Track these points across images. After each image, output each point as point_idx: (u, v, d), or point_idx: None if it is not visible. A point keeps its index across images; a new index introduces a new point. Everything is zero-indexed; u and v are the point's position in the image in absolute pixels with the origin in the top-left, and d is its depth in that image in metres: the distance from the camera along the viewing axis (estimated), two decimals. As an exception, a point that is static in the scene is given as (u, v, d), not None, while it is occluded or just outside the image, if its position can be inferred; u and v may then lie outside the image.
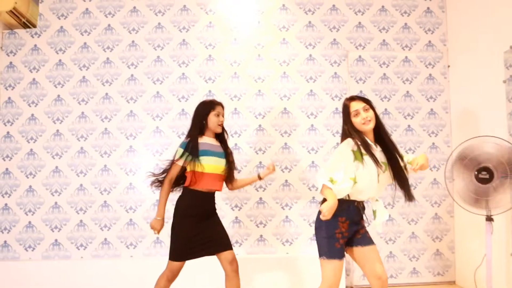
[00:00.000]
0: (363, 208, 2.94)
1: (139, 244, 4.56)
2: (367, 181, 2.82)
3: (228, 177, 3.47)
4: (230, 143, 4.48)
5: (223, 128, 3.44)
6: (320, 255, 2.81)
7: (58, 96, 4.66)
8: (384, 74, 4.83)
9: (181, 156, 3.26)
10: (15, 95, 4.65)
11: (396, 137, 4.76)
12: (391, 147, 2.95)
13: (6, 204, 4.56)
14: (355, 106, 2.89)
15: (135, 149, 4.61)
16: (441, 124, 4.85)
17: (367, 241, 2.89)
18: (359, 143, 2.83)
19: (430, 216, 4.77)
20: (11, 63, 4.69)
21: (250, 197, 4.62)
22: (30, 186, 4.58)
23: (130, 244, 4.57)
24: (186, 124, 4.60)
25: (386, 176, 2.94)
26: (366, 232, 2.93)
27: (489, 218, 3.66)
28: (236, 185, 3.57)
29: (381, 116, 4.57)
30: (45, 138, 4.62)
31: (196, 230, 3.24)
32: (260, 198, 4.62)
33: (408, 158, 3.08)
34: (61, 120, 4.64)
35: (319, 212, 2.79)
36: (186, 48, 4.73)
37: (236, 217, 4.61)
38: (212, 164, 3.28)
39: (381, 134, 2.96)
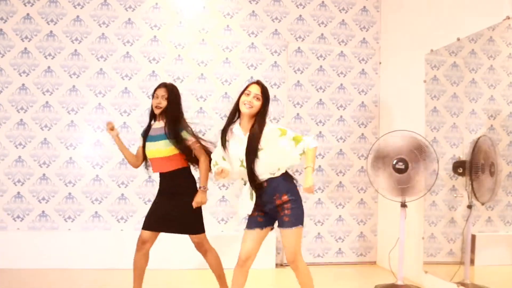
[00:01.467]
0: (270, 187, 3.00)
1: (130, 218, 4.84)
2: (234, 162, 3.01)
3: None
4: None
5: (169, 110, 3.41)
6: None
7: (48, 67, 4.80)
8: (321, 66, 5.27)
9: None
10: (5, 63, 4.76)
11: (328, 127, 5.23)
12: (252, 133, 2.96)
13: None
14: (252, 89, 2.97)
15: (129, 125, 4.89)
16: (370, 116, 5.35)
17: (284, 224, 2.97)
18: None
19: (356, 201, 5.28)
20: (1, 30, 4.76)
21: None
22: (19, 157, 4.73)
23: (121, 218, 4.84)
24: (128, 102, 4.85)
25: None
26: (285, 216, 2.98)
27: (403, 205, 4.17)
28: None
29: (316, 106, 5.08)
30: (34, 109, 4.77)
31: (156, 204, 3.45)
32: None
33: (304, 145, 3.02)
34: (51, 92, 4.82)
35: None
36: (132, 28, 4.94)
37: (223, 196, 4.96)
38: (149, 150, 3.40)
39: (257, 122, 2.99)
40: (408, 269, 4.30)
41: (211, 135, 4.89)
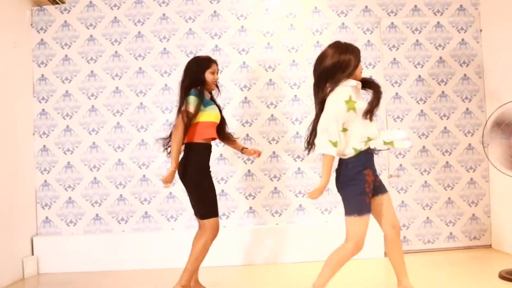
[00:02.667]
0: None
1: (180, 217, 4.79)
2: (359, 122, 2.95)
3: (221, 128, 3.71)
4: (267, 115, 4.72)
5: (216, 86, 3.66)
6: (350, 213, 2.92)
7: (91, 72, 4.83)
8: (417, 40, 5.01)
9: (194, 103, 3.40)
10: (48, 72, 4.82)
11: (430, 104, 4.98)
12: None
13: (45, 181, 4.77)
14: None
15: (172, 123, 4.79)
16: (474, 89, 5.04)
17: (384, 188, 3.06)
18: (352, 89, 2.99)
19: (465, 181, 5.01)
20: (42, 40, 4.85)
21: (236, 170, 4.86)
22: (68, 162, 4.79)
23: (171, 217, 4.80)
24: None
25: None
26: (380, 179, 3.09)
27: (527, 180, 3.89)
28: (224, 139, 3.83)
29: (415, 83, 4.89)
30: (80, 114, 4.81)
31: (212, 185, 3.52)
32: (248, 170, 4.85)
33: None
34: (95, 95, 4.83)
35: (341, 169, 2.98)
36: (218, 20, 4.89)
37: (222, 190, 4.81)
38: (215, 113, 3.53)
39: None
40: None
41: (309, 123, 4.82)
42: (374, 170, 2.99)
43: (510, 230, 4.25)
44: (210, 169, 3.54)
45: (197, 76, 3.50)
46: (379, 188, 3.03)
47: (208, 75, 3.53)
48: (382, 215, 3.04)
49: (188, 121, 3.36)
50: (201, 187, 3.42)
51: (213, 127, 3.53)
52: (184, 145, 3.49)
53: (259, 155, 3.83)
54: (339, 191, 3.03)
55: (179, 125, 3.37)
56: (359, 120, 2.95)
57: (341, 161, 3.01)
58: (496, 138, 3.96)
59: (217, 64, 3.63)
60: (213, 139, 3.58)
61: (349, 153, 2.95)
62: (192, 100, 3.39)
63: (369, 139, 2.97)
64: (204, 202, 3.41)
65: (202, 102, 3.42)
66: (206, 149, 3.50)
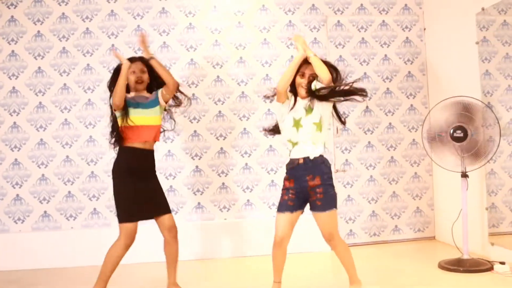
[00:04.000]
0: (314, 164, 3.20)
1: None
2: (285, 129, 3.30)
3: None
4: (215, 111, 4.83)
5: (156, 81, 3.58)
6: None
7: (39, 68, 4.86)
8: (363, 38, 5.19)
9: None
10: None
11: (375, 100, 5.16)
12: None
13: (-8, 178, 4.81)
14: (305, 69, 3.29)
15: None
16: (418, 86, 5.25)
17: (316, 208, 3.16)
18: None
19: (410, 175, 5.22)
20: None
21: (236, 163, 4.96)
22: (16, 159, 4.82)
23: None
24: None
25: (309, 121, 3.21)
26: (317, 200, 3.14)
27: (464, 175, 4.09)
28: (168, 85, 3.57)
29: (360, 81, 5.00)
30: (28, 111, 4.84)
31: (136, 190, 3.36)
32: (196, 166, 4.98)
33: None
34: (43, 92, 4.87)
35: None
36: (166, 17, 4.97)
37: (171, 186, 4.96)
38: (139, 116, 3.40)
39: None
40: (472, 243, 4.23)
41: (256, 119, 4.97)
42: (296, 178, 3.22)
43: (451, 222, 4.45)
44: (139, 172, 3.42)
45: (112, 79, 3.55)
46: (311, 205, 3.21)
47: (129, 77, 3.49)
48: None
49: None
50: (118, 191, 3.42)
51: (139, 130, 3.42)
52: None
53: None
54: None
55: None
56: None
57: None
58: (435, 135, 4.15)
59: (141, 62, 3.54)
60: (145, 141, 3.44)
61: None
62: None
63: (292, 143, 3.26)
64: (118, 206, 3.41)
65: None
66: (127, 152, 3.42)
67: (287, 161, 3.30)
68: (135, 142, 3.40)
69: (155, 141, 3.53)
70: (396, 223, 5.20)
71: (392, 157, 5.19)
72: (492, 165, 4.34)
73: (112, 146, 3.49)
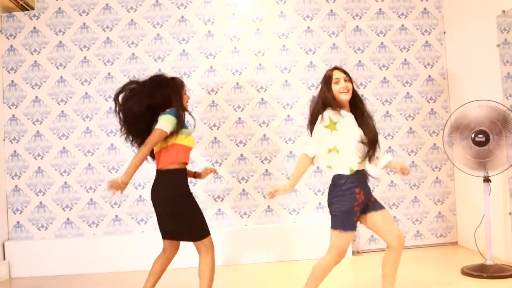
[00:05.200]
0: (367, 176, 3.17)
1: (150, 220, 4.94)
2: (350, 142, 3.03)
3: None
4: (234, 118, 4.88)
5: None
6: (335, 227, 2.99)
7: (61, 77, 4.96)
8: (382, 43, 5.19)
9: (172, 124, 3.24)
10: (18, 78, 4.95)
11: (395, 105, 5.15)
12: (366, 114, 3.15)
13: (16, 186, 4.90)
14: (337, 75, 3.11)
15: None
16: (438, 90, 5.23)
17: (379, 206, 3.09)
18: (332, 112, 3.05)
19: (431, 180, 5.19)
20: (11, 46, 4.98)
21: (256, 169, 5.00)
22: (39, 167, 4.92)
23: (141, 220, 4.95)
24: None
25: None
26: (375, 199, 3.14)
27: (487, 179, 4.07)
28: None
29: (380, 85, 5.04)
30: (50, 119, 4.94)
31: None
32: (266, 170, 5.00)
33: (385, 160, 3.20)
34: (65, 101, 4.96)
35: (332, 185, 3.07)
36: (185, 25, 5.04)
37: (244, 189, 4.99)
38: (191, 138, 3.38)
39: (357, 104, 3.16)
40: (495, 248, 4.20)
41: (275, 126, 5.00)
42: (365, 190, 3.04)
43: (474, 227, 4.43)
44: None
45: (179, 96, 3.41)
46: (372, 206, 3.07)
47: (184, 96, 3.44)
48: (381, 229, 3.07)
49: (156, 137, 3.23)
50: (193, 209, 3.36)
51: (189, 152, 3.41)
52: (160, 171, 3.34)
53: (215, 172, 3.77)
54: (328, 205, 3.08)
55: (150, 140, 3.23)
56: (350, 140, 3.06)
57: (334, 177, 3.08)
58: (457, 140, 4.15)
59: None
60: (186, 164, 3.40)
61: (344, 171, 3.04)
62: (172, 120, 3.25)
63: (361, 161, 3.06)
64: (197, 224, 3.34)
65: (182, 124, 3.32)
66: (183, 174, 3.37)
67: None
68: (183, 163, 3.36)
69: None
70: (417, 228, 5.18)
71: (413, 162, 5.18)
72: (513, 170, 4.31)
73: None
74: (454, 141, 4.18)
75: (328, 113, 3.04)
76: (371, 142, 3.04)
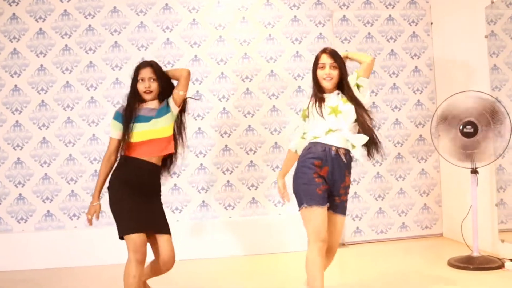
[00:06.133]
0: (347, 160, 2.98)
1: None
2: (316, 120, 2.96)
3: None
4: (219, 108, 4.79)
5: (162, 91, 3.22)
6: (300, 205, 2.87)
7: (41, 66, 4.83)
8: (369, 33, 5.15)
9: (114, 127, 3.16)
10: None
11: (382, 96, 5.12)
12: (352, 96, 3.02)
13: (-5, 177, 4.79)
14: (324, 59, 3.01)
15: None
16: (425, 81, 5.21)
17: (340, 210, 2.98)
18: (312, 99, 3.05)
19: (417, 171, 5.18)
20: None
21: (241, 161, 4.93)
22: (18, 158, 4.79)
23: None
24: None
25: (349, 107, 2.94)
26: (346, 201, 3.01)
27: (474, 171, 4.06)
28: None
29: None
30: (30, 109, 4.81)
31: (134, 201, 3.03)
32: (251, 161, 4.94)
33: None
34: (45, 90, 4.84)
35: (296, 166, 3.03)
36: (170, 13, 4.93)
37: (228, 181, 4.93)
38: (144, 130, 3.10)
39: (345, 91, 3.03)
40: (481, 240, 4.19)
41: (261, 116, 4.94)
42: (332, 167, 2.89)
43: (460, 218, 4.42)
44: (139, 187, 3.08)
45: (133, 86, 3.21)
46: (335, 206, 2.96)
47: (138, 86, 3.17)
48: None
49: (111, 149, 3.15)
50: (114, 203, 3.10)
51: (144, 145, 3.11)
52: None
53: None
54: (292, 187, 3.00)
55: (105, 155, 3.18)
56: (314, 120, 2.99)
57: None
58: (445, 131, 4.12)
59: (151, 67, 3.19)
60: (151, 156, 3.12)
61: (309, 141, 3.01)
62: (113, 123, 3.16)
63: (330, 130, 2.92)
64: (117, 219, 3.08)
65: (132, 121, 3.08)
66: (128, 162, 3.11)
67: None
68: (139, 156, 3.10)
69: (166, 155, 3.24)
70: (403, 220, 5.16)
71: (399, 153, 5.16)
72: (501, 161, 4.30)
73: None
74: (441, 132, 4.16)
75: (306, 106, 3.08)
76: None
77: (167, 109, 3.19)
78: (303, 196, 2.87)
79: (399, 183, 5.16)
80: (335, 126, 2.92)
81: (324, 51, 3.07)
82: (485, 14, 4.32)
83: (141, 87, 3.15)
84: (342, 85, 3.03)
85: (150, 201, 3.13)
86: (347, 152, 2.97)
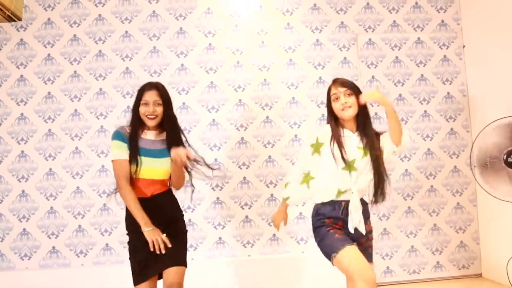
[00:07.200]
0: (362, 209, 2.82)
1: None
2: (326, 171, 2.76)
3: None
4: (237, 138, 4.50)
5: (169, 120, 2.92)
6: (329, 258, 2.70)
7: (49, 93, 4.60)
8: (396, 57, 4.84)
9: (115, 148, 2.86)
10: (2, 94, 4.59)
11: (412, 124, 4.78)
12: (370, 135, 2.83)
13: (-3, 212, 4.51)
14: (335, 89, 2.83)
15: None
16: (458, 108, 4.86)
17: (368, 257, 2.77)
18: (326, 131, 2.83)
19: (452, 206, 4.78)
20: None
21: (261, 194, 4.60)
22: (23, 191, 4.53)
23: None
24: (187, 118, 4.58)
25: (365, 163, 2.79)
26: (370, 247, 2.85)
27: (519, 204, 3.68)
28: (175, 183, 3.02)
29: (395, 103, 4.64)
30: (36, 139, 4.56)
31: (145, 248, 2.80)
32: (271, 195, 4.60)
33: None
34: (53, 119, 4.59)
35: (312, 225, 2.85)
36: (184, 37, 4.69)
37: (247, 216, 4.59)
38: (152, 168, 2.85)
39: (364, 122, 2.85)
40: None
41: (281, 146, 4.62)
42: (343, 221, 2.77)
43: (500, 258, 4.03)
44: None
45: (134, 112, 2.92)
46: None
47: (140, 109, 2.87)
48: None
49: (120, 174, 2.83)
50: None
51: (147, 184, 2.88)
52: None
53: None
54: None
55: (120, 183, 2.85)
56: (328, 167, 2.76)
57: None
58: (487, 161, 3.77)
59: (157, 90, 2.89)
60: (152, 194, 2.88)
61: (318, 200, 2.84)
62: (112, 143, 2.85)
63: (340, 192, 2.75)
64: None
65: (138, 153, 2.82)
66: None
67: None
68: (141, 194, 2.86)
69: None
70: (437, 259, 4.75)
71: (431, 186, 4.77)
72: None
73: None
74: (482, 164, 3.80)
75: (322, 132, 2.81)
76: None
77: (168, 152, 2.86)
78: (328, 250, 2.70)
79: (432, 219, 4.76)
80: (345, 187, 2.74)
81: (333, 81, 2.91)
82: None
83: (143, 110, 2.84)
84: (363, 120, 2.84)
85: (168, 234, 2.80)
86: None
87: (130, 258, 2.95)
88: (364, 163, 2.77)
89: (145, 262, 2.84)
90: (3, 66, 4.63)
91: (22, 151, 4.56)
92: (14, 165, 4.55)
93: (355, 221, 2.72)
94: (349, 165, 2.72)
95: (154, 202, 2.86)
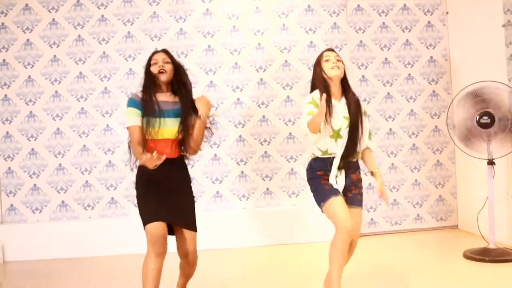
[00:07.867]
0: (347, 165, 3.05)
1: None
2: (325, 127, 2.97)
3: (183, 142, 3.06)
4: (233, 98, 4.80)
5: (178, 76, 3.06)
6: (319, 205, 2.99)
7: (54, 56, 4.86)
8: (383, 23, 5.13)
9: (129, 115, 2.96)
10: (9, 57, 4.86)
11: (397, 86, 5.11)
12: (354, 102, 3.06)
13: (9, 168, 4.83)
14: (328, 54, 3.06)
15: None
16: (440, 71, 5.19)
17: (357, 202, 3.06)
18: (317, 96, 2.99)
19: (432, 163, 5.18)
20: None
21: (255, 151, 4.95)
22: (33, 149, 4.84)
23: None
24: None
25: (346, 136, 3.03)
26: (359, 194, 3.10)
27: (491, 162, 4.05)
28: (192, 146, 3.08)
29: (381, 66, 4.96)
30: (44, 100, 4.86)
31: (156, 192, 2.94)
32: (265, 152, 4.96)
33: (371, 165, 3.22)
34: (59, 80, 4.88)
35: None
36: (183, 3, 4.94)
37: (242, 171, 4.95)
38: (168, 128, 2.98)
39: (346, 88, 3.08)
40: (498, 232, 4.19)
41: (275, 107, 4.95)
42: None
43: (475, 210, 4.42)
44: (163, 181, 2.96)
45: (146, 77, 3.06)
46: (349, 199, 3.03)
47: (152, 68, 3.02)
48: None
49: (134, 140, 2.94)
50: (137, 198, 3.02)
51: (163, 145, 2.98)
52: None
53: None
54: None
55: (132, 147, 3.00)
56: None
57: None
58: (461, 122, 4.10)
59: (165, 52, 3.07)
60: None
61: (312, 154, 3.10)
62: (128, 111, 2.97)
63: (326, 153, 3.02)
64: (140, 213, 2.96)
65: (157, 114, 2.93)
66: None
67: (306, 148, 3.20)
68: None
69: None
70: (418, 211, 5.17)
71: (413, 144, 5.15)
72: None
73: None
74: (456, 123, 4.15)
75: (313, 95, 3.02)
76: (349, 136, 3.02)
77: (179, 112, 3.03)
78: (318, 199, 3.02)
79: (414, 175, 5.16)
80: (332, 151, 3.02)
81: (326, 49, 3.13)
82: (502, 3, 4.29)
83: (154, 68, 2.99)
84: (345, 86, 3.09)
85: (177, 196, 3.00)
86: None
87: (139, 202, 2.97)
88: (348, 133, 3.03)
89: (156, 205, 2.91)
90: (9, 30, 4.86)
91: (31, 112, 4.86)
92: (23, 125, 4.86)
93: (332, 177, 2.99)
94: (336, 133, 2.99)
95: (168, 165, 2.89)
